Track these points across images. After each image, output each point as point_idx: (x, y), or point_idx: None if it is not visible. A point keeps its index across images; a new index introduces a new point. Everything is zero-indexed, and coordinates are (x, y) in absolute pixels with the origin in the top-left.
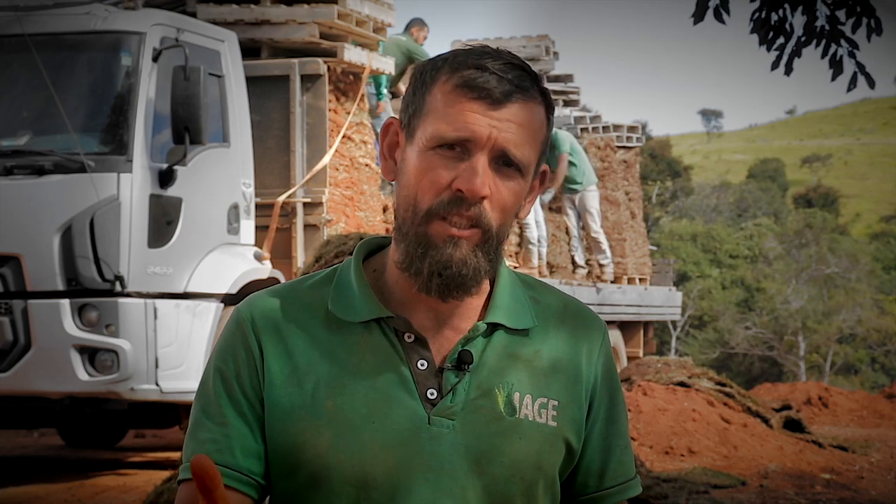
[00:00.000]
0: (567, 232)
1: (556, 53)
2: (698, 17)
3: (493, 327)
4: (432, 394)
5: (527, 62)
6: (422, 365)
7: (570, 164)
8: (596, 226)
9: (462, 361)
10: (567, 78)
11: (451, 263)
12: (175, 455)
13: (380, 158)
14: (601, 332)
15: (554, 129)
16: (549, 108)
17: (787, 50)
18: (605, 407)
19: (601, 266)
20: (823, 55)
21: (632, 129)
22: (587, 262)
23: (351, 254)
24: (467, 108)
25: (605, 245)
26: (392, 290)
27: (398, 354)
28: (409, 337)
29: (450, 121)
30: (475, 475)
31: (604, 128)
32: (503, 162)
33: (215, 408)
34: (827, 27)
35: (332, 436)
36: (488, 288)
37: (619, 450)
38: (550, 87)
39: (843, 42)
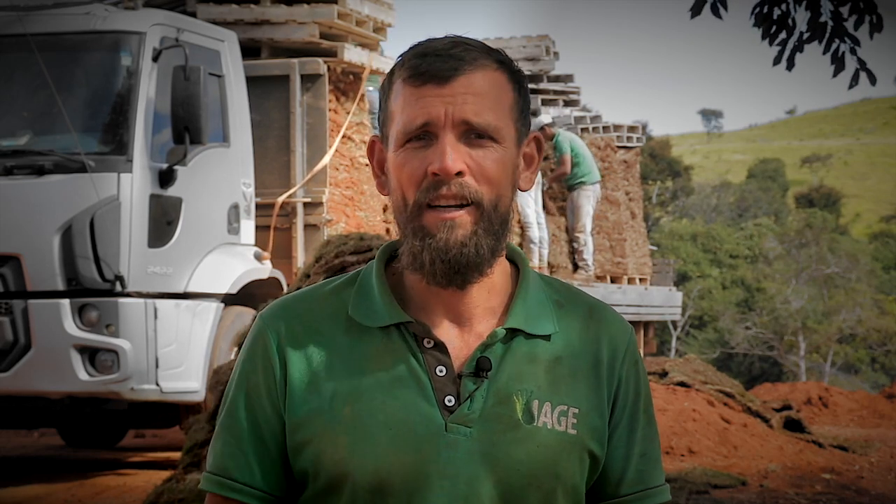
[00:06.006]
0: (567, 231)
1: (556, 53)
2: (695, 11)
3: (513, 332)
4: (450, 401)
5: (476, 40)
6: (440, 371)
7: (574, 163)
8: (579, 224)
9: (480, 368)
10: (567, 78)
11: (449, 247)
12: (175, 455)
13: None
14: (626, 337)
15: (557, 131)
16: (513, 74)
17: (789, 45)
18: (628, 414)
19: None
20: (825, 51)
21: (632, 129)
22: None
23: (352, 254)
24: (419, 95)
25: (586, 253)
26: (411, 293)
27: (417, 360)
28: (428, 342)
29: (408, 113)
30: (491, 483)
31: (604, 128)
32: (474, 135)
33: (235, 420)
34: (831, 23)
35: (349, 442)
36: (509, 288)
37: (636, 458)
38: (550, 87)
39: (845, 39)
